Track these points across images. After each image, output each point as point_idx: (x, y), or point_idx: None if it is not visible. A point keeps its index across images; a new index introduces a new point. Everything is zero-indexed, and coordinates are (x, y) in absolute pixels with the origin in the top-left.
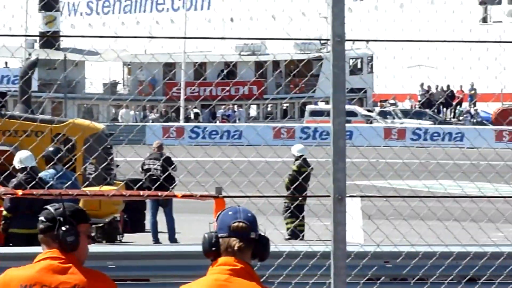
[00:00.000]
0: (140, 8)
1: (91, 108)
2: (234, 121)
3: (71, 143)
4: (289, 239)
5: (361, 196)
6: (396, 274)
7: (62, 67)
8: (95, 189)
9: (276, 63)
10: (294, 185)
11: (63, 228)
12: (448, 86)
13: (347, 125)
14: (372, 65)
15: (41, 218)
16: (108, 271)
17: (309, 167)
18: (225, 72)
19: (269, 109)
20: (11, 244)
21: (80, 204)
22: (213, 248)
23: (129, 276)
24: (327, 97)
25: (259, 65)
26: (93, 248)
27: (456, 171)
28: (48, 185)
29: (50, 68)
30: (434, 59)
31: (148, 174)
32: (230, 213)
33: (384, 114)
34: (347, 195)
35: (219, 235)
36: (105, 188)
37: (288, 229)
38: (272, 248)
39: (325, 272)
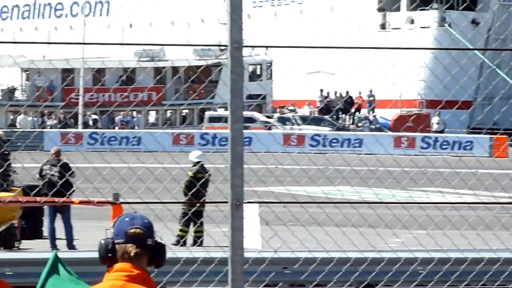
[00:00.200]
0: (39, 14)
1: None
2: (133, 127)
3: None
4: (175, 245)
5: (259, 202)
6: (294, 280)
7: None
8: None
9: (175, 69)
10: (191, 192)
11: None
12: (347, 92)
13: (246, 131)
14: (271, 71)
15: None
16: (5, 278)
17: (206, 173)
18: (123, 78)
19: (168, 115)
20: None
21: None
22: (110, 254)
23: (27, 283)
24: (226, 103)
25: (158, 71)
26: None
27: (354, 177)
28: None
29: None
30: (333, 66)
31: (46, 180)
32: (127, 219)
33: (283, 120)
34: (245, 201)
35: (116, 241)
36: (2, 194)
37: (178, 235)
38: (170, 254)
39: (222, 278)
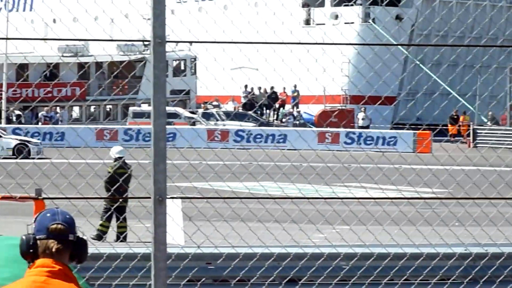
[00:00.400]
0: None
1: None
2: (56, 123)
3: None
4: (97, 240)
5: (182, 198)
6: (217, 275)
7: None
8: None
9: (98, 65)
10: (112, 187)
11: None
12: (272, 87)
13: (169, 126)
14: (195, 66)
15: None
16: None
17: (127, 169)
18: (47, 73)
19: (91, 110)
20: None
21: None
22: (31, 250)
23: None
24: (149, 99)
25: (81, 66)
26: None
27: (277, 172)
28: None
29: None
30: (256, 61)
31: None
32: (48, 215)
33: (207, 116)
34: (168, 196)
35: (37, 237)
36: None
37: (99, 230)
38: (92, 249)
39: (145, 274)
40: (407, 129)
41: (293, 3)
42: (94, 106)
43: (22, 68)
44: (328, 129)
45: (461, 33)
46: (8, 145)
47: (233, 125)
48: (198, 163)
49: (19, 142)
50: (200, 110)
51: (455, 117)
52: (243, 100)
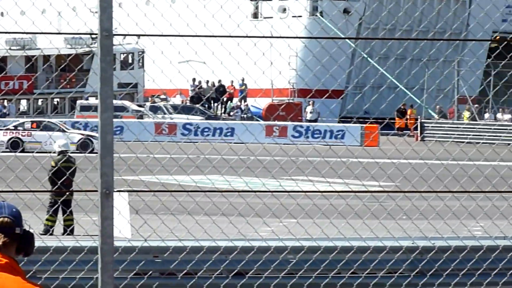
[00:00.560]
0: None
1: None
2: (3, 116)
3: None
4: (44, 234)
5: (128, 191)
6: (165, 268)
7: None
8: None
9: (46, 58)
10: (57, 181)
11: None
12: (220, 81)
13: (116, 120)
14: (143, 60)
15: None
16: None
17: (71, 162)
18: None
19: (39, 103)
20: None
21: None
22: None
23: None
24: (97, 92)
25: (28, 59)
26: None
27: (224, 166)
28: None
29: None
30: (203, 54)
31: None
32: None
33: (154, 109)
34: (115, 189)
35: None
36: None
37: (46, 224)
38: (39, 243)
39: (92, 267)
40: (355, 123)
41: None
42: (41, 99)
43: None
44: (276, 122)
45: (408, 26)
46: (71, 139)
47: (180, 119)
48: (145, 157)
49: (83, 137)
50: (148, 104)
51: (403, 110)
52: (190, 94)
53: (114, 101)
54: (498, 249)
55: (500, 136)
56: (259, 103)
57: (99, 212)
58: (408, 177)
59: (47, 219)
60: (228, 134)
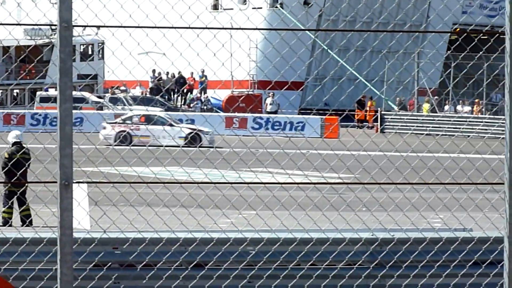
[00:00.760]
0: None
1: None
2: None
3: None
4: (2, 226)
5: (88, 182)
6: (124, 260)
7: None
8: None
9: (5, 49)
10: (10, 172)
11: None
12: (180, 72)
13: (76, 111)
14: (103, 51)
15: None
16: None
17: (25, 153)
18: None
19: None
20: None
21: None
22: None
23: None
24: (56, 83)
25: None
26: None
27: (183, 157)
28: None
29: None
30: (163, 46)
31: None
32: None
33: (114, 101)
34: (74, 181)
35: None
36: None
37: (2, 216)
38: None
39: (51, 259)
40: (314, 114)
41: None
42: (1, 91)
43: None
44: (236, 114)
45: (368, 18)
46: (180, 133)
47: (140, 110)
48: (105, 148)
49: (191, 131)
50: (108, 95)
51: (363, 102)
52: (150, 85)
53: (74, 93)
54: (457, 241)
55: (460, 128)
56: (219, 95)
57: (58, 204)
58: (367, 169)
59: (4, 212)
60: None
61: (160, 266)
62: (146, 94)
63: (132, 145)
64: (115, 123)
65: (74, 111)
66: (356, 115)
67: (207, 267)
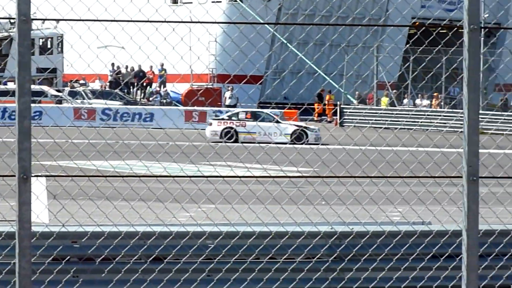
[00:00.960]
0: None
1: None
2: None
3: None
4: None
5: (46, 176)
6: (83, 254)
7: None
8: None
9: None
10: None
11: None
12: (140, 66)
13: (35, 105)
14: (62, 45)
15: None
16: None
17: None
18: None
19: None
20: None
21: None
22: None
23: None
24: (15, 77)
25: None
26: None
27: (142, 151)
28: None
29: None
30: (122, 39)
31: None
32: None
33: (73, 94)
34: (33, 174)
35: None
36: None
37: None
38: None
39: (10, 253)
40: (273, 108)
41: None
42: None
43: None
44: (195, 108)
45: (327, 12)
46: (285, 130)
47: (99, 104)
48: (64, 142)
49: (297, 128)
50: (67, 89)
51: (322, 96)
52: (110, 79)
53: (33, 86)
54: (416, 234)
55: (418, 121)
56: (178, 89)
57: (17, 197)
58: (326, 162)
59: None
60: (148, 119)
61: (119, 260)
62: (105, 87)
63: (241, 142)
64: (221, 119)
65: (32, 105)
66: (315, 109)
67: (166, 261)
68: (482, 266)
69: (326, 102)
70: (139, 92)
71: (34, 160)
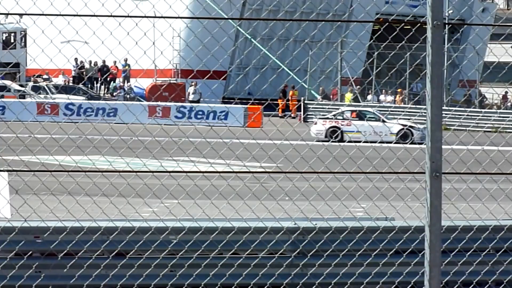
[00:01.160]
0: None
1: None
2: None
3: None
4: None
5: (8, 171)
6: (45, 249)
7: None
8: None
9: None
10: None
11: None
12: (104, 61)
13: None
14: (25, 39)
15: None
16: None
17: None
18: None
19: None
20: None
21: None
22: None
23: None
24: None
25: None
26: None
27: (105, 146)
28: None
29: None
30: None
31: None
32: None
33: (36, 89)
34: None
35: None
36: None
37: None
38: None
39: None
40: (237, 104)
41: None
42: None
43: None
44: (159, 103)
45: (292, 7)
46: (391, 129)
47: (62, 99)
48: (27, 137)
49: (403, 127)
50: (30, 83)
51: (286, 92)
52: (73, 74)
53: None
54: (379, 230)
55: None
56: (142, 84)
57: None
58: (289, 158)
59: None
60: (111, 114)
61: (81, 255)
62: (69, 82)
63: (347, 142)
64: (326, 118)
65: None
66: (279, 104)
67: (128, 256)
68: (445, 262)
69: (290, 98)
70: (102, 87)
71: None
